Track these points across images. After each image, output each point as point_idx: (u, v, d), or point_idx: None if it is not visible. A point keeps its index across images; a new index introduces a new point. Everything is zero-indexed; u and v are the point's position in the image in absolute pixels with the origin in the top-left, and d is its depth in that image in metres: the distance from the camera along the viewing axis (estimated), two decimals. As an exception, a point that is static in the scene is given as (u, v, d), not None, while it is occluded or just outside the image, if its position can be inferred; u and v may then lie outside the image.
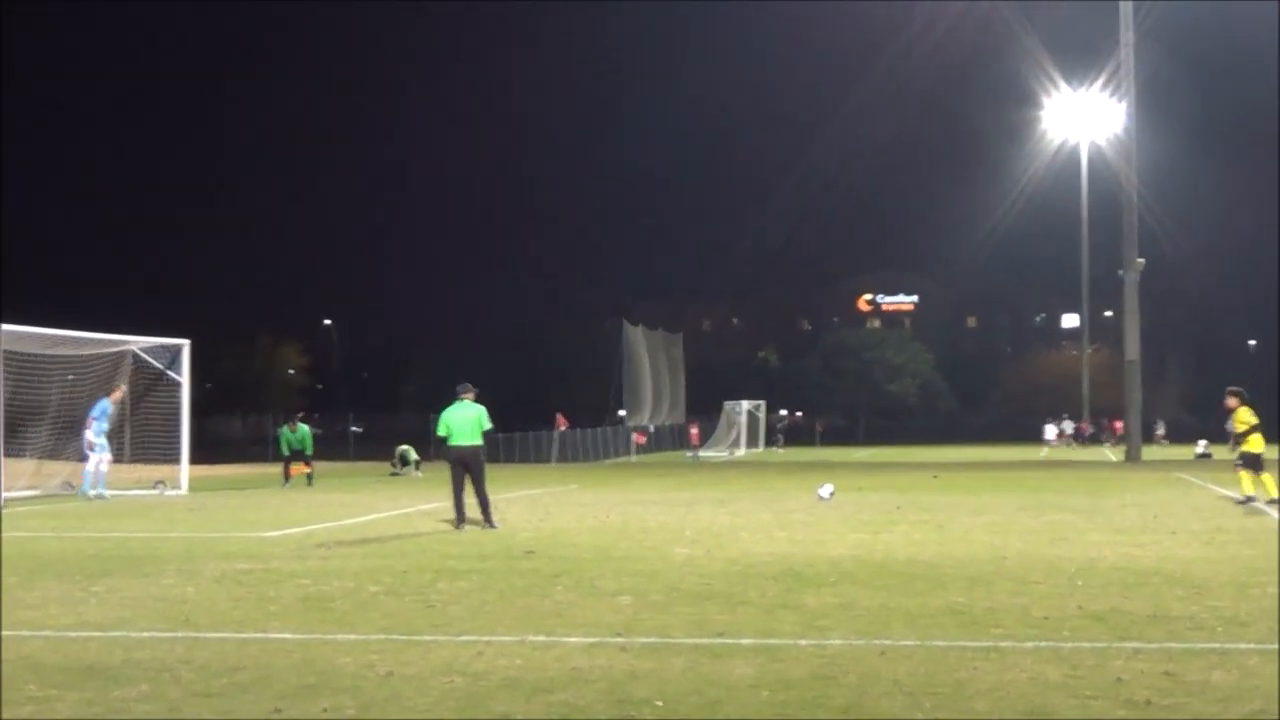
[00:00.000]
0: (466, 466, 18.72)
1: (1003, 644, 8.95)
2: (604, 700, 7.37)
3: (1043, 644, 8.95)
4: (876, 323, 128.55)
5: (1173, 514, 20.55)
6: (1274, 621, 9.81)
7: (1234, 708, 7.08)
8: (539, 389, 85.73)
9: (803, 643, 9.08)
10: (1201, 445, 51.61)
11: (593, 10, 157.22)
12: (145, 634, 9.74)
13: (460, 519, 18.61)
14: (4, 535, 18.41)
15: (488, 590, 11.92)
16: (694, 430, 66.03)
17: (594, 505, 24.28)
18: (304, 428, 34.12)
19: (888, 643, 9.03)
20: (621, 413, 71.12)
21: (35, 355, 28.18)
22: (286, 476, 33.33)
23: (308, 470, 33.60)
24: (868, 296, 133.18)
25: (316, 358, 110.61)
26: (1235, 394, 22.95)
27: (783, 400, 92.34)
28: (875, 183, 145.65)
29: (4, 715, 7.18)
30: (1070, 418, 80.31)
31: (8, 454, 26.13)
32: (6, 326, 26.08)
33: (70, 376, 29.95)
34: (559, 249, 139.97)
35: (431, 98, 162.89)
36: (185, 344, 31.21)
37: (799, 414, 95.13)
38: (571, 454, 58.50)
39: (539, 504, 24.83)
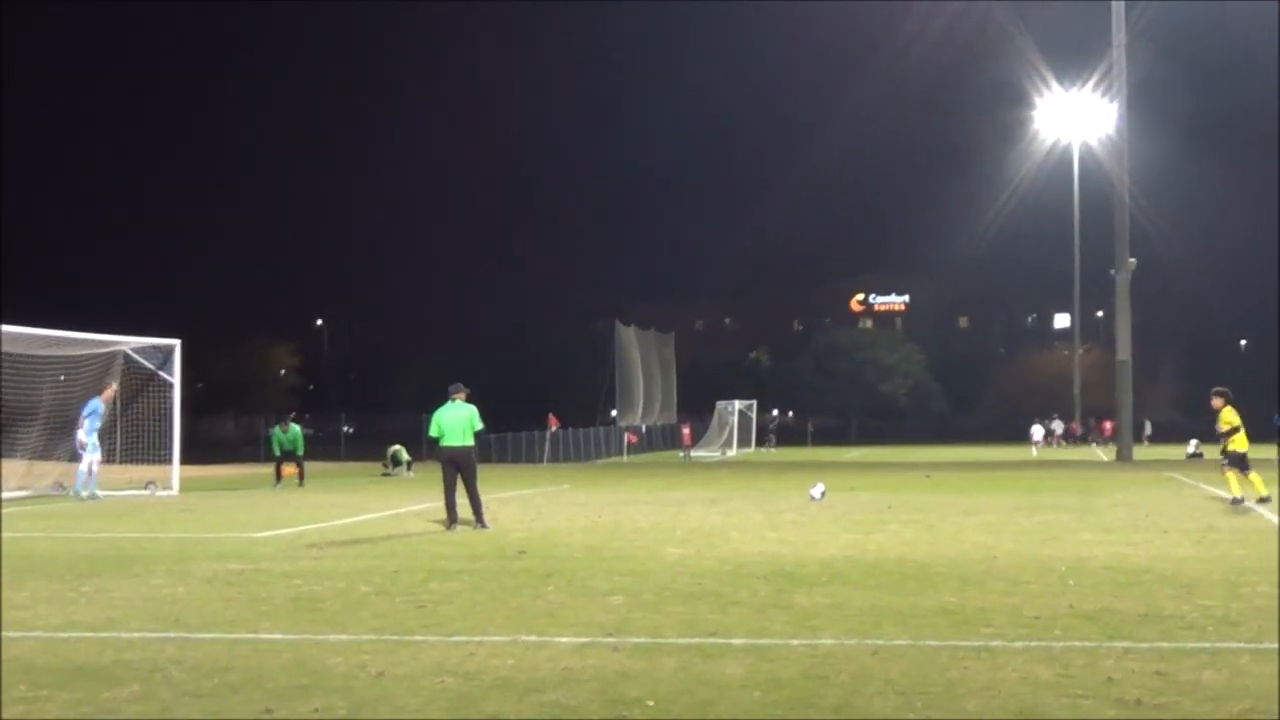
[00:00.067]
0: (458, 467, 18.71)
1: (994, 643, 8.96)
2: (596, 700, 7.37)
3: (1034, 643, 8.96)
4: (869, 323, 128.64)
5: (1164, 513, 20.58)
6: (1265, 620, 9.82)
7: (1225, 707, 7.09)
8: (531, 389, 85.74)
9: (794, 642, 9.09)
10: (1193, 445, 51.66)
11: (580, 18, 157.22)
12: (136, 634, 9.73)
13: (452, 519, 18.60)
14: (-6, 536, 18.40)
15: (479, 590, 11.92)
16: (686, 430, 66.11)
17: (586, 505, 24.28)
18: (295, 428, 34.09)
19: (879, 642, 9.03)
20: (613, 413, 71.17)
21: (27, 355, 28.13)
22: (278, 477, 33.29)
23: (299, 471, 33.57)
24: (860, 296, 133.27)
25: (308, 358, 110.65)
26: (1220, 394, 23.00)
27: (775, 400, 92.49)
28: (868, 183, 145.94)
29: (2, 715, 7.18)
30: (1060, 418, 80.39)
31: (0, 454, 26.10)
32: (-1, 327, 26.05)
33: (62, 377, 29.91)
34: (551, 249, 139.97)
35: (427, 98, 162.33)
36: (176, 344, 31.17)
37: (790, 414, 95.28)
38: (563, 454, 58.49)
39: (531, 504, 24.82)
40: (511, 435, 56.87)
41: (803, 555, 14.58)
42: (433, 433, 18.95)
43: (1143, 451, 55.79)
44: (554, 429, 59.64)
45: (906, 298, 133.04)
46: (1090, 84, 67.21)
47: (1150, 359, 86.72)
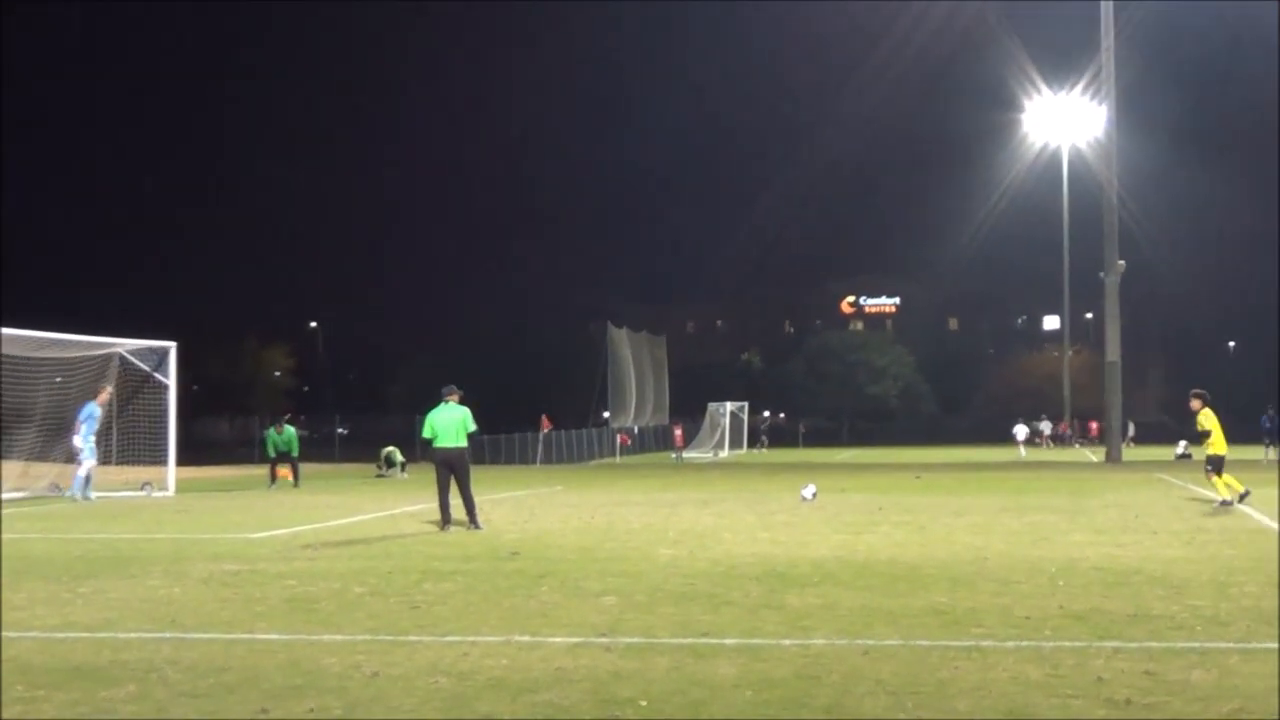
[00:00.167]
0: (451, 468, 18.69)
1: (984, 644, 8.96)
2: (589, 700, 7.37)
3: (1024, 643, 8.96)
4: (859, 325, 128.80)
5: (1153, 514, 20.60)
6: (1254, 621, 9.83)
7: (1214, 707, 7.09)
8: (524, 391, 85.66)
9: (786, 643, 9.09)
10: (1181, 446, 51.70)
11: (579, 18, 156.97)
12: (132, 635, 9.72)
13: (445, 520, 18.59)
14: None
15: (473, 591, 11.91)
16: (678, 432, 66.13)
17: (579, 506, 24.27)
18: (290, 430, 34.09)
19: (870, 642, 9.03)
20: (606, 414, 71.19)
21: (23, 358, 28.12)
22: (273, 478, 33.29)
23: (294, 472, 33.56)
24: (851, 298, 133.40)
25: (303, 360, 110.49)
26: (1198, 396, 23.08)
27: (767, 402, 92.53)
28: (859, 186, 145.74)
29: (2, 715, 7.17)
30: (1049, 418, 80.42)
31: (-5, 456, 26.11)
32: (-5, 329, 26.03)
33: (58, 378, 29.90)
34: (543, 253, 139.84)
35: (425, 98, 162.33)
36: (172, 346, 31.17)
37: (782, 415, 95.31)
38: (556, 456, 58.52)
39: (524, 505, 24.81)
40: (505, 437, 56.91)
41: (794, 556, 14.58)
42: (426, 434, 18.93)
43: (1130, 453, 55.86)
44: (547, 431, 59.66)
45: (897, 300, 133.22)
46: (1079, 87, 67.41)
47: (1139, 361, 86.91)
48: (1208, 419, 22.50)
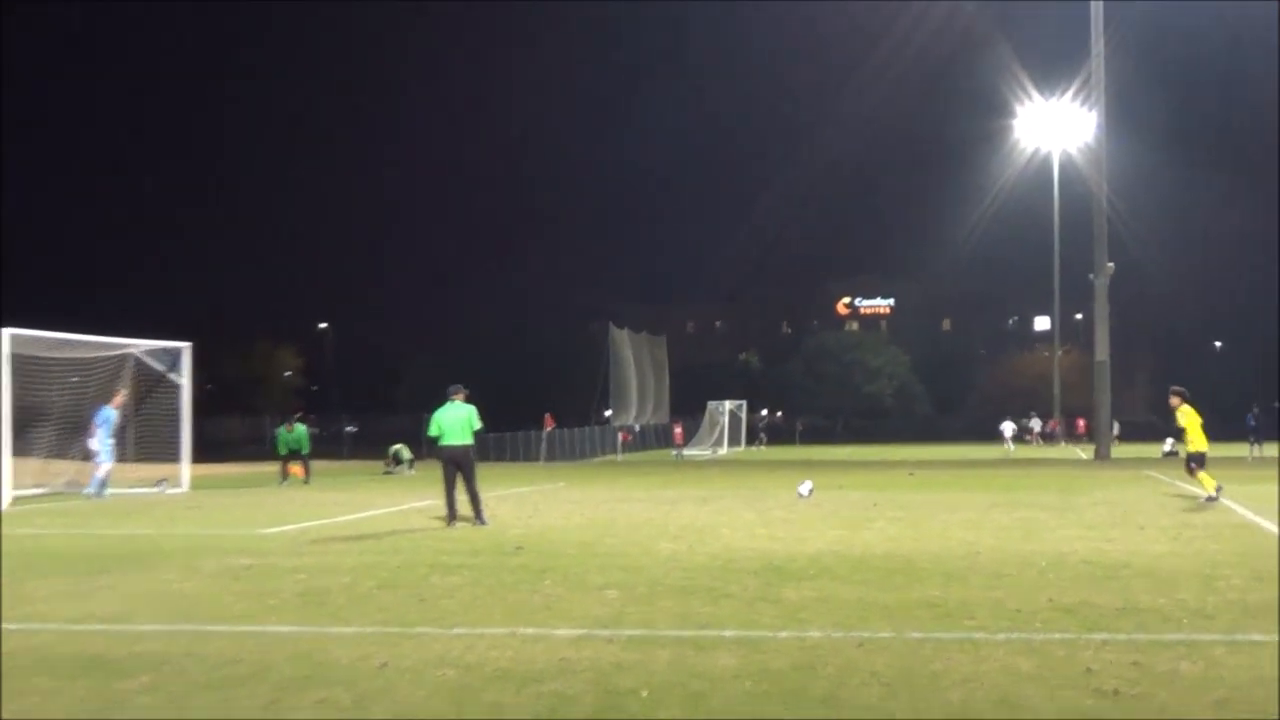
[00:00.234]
0: (458, 465, 18.70)
1: (976, 636, 8.97)
2: (591, 691, 7.38)
3: (1015, 636, 8.97)
4: (855, 325, 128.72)
5: (1141, 510, 20.60)
6: (1239, 614, 9.83)
7: (1200, 697, 7.10)
8: (527, 390, 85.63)
9: (783, 635, 9.10)
10: (1168, 443, 51.50)
11: (580, 18, 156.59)
12: (148, 627, 9.73)
13: (452, 516, 18.60)
14: (12, 533, 18.40)
15: (479, 585, 11.92)
16: (678, 430, 66.06)
17: (581, 503, 24.28)
18: (300, 428, 34.10)
19: (865, 635, 9.04)
20: (608, 413, 71.18)
21: (41, 358, 28.12)
22: (284, 475, 33.29)
23: (304, 470, 33.58)
24: (846, 300, 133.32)
25: (312, 360, 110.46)
26: (1177, 393, 23.12)
27: (765, 401, 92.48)
28: (854, 190, 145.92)
29: (9, 709, 7.17)
30: (1038, 416, 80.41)
31: (15, 453, 26.08)
32: (13, 331, 26.03)
33: (75, 378, 29.90)
34: (546, 254, 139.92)
35: (426, 103, 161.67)
36: (186, 347, 31.17)
37: (779, 414, 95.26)
38: (559, 453, 58.51)
39: (528, 501, 24.82)
40: (509, 435, 56.88)
41: (791, 551, 14.59)
42: (433, 432, 18.92)
43: (1118, 450, 55.81)
44: (550, 429, 59.64)
45: (891, 301, 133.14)
46: (1069, 94, 67.41)
47: (1127, 361, 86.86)
48: (1185, 416, 22.51)
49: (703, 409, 74.24)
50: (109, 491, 27.66)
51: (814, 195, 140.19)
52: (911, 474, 35.52)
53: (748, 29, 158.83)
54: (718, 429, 71.56)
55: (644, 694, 7.28)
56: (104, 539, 17.34)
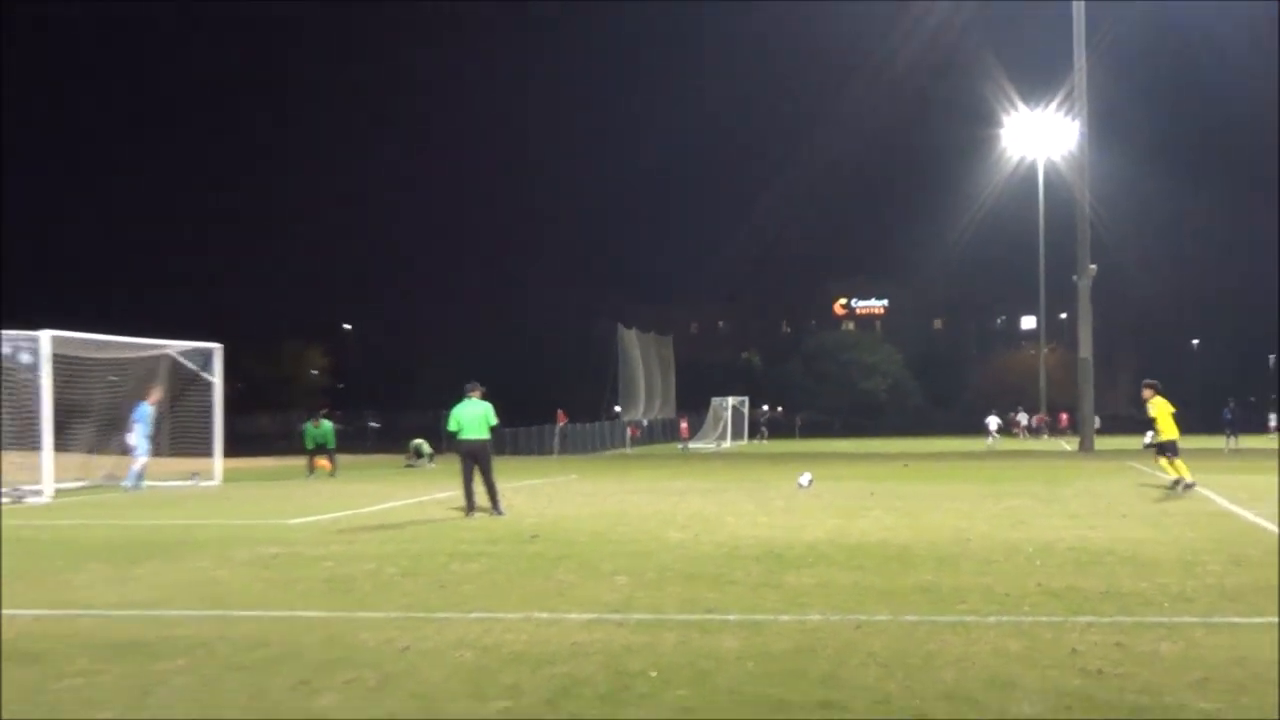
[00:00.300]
0: (475, 458, 18.71)
1: (968, 619, 8.97)
2: (603, 672, 7.39)
3: (1005, 619, 8.96)
4: (851, 325, 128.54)
5: (1123, 499, 20.58)
6: (1216, 597, 9.83)
7: (1180, 676, 7.10)
8: (541, 387, 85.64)
9: (784, 618, 9.10)
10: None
11: (591, 18, 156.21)
12: (183, 613, 9.75)
13: (470, 507, 18.61)
14: (54, 524, 18.45)
15: (496, 572, 11.93)
16: (684, 424, 66.05)
17: (592, 494, 24.29)
18: (326, 423, 34.13)
19: (862, 618, 9.04)
20: (617, 409, 71.20)
21: (81, 359, 28.18)
22: (310, 468, 33.31)
23: (331, 463, 33.60)
24: (842, 301, 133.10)
25: (337, 359, 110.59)
26: (1149, 386, 23.18)
27: (766, 397, 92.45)
28: (849, 195, 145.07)
29: (54, 689, 7.19)
30: (1025, 410, 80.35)
31: (57, 449, 26.13)
32: (54, 332, 26.09)
33: (113, 378, 29.95)
34: (559, 258, 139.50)
35: (441, 106, 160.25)
36: (218, 348, 31.22)
37: (780, 409, 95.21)
38: (571, 447, 58.49)
39: (542, 493, 24.83)
40: (523, 429, 56.87)
41: (792, 539, 14.58)
42: (451, 427, 18.92)
43: (1101, 442, 55.76)
44: (562, 424, 59.64)
45: (885, 302, 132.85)
46: (1053, 105, 67.34)
47: (1109, 358, 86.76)
48: (1156, 407, 22.50)
49: (707, 404, 74.19)
50: (145, 484, 27.75)
51: (811, 200, 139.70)
52: (906, 465, 35.49)
53: (734, 47, 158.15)
54: (721, 424, 71.50)
55: (653, 674, 7.29)
56: (141, 529, 17.37)
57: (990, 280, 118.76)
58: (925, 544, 13.85)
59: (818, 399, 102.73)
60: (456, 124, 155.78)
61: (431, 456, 40.09)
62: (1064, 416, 79.09)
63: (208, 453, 30.92)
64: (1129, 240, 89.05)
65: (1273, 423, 65.92)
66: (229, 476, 31.15)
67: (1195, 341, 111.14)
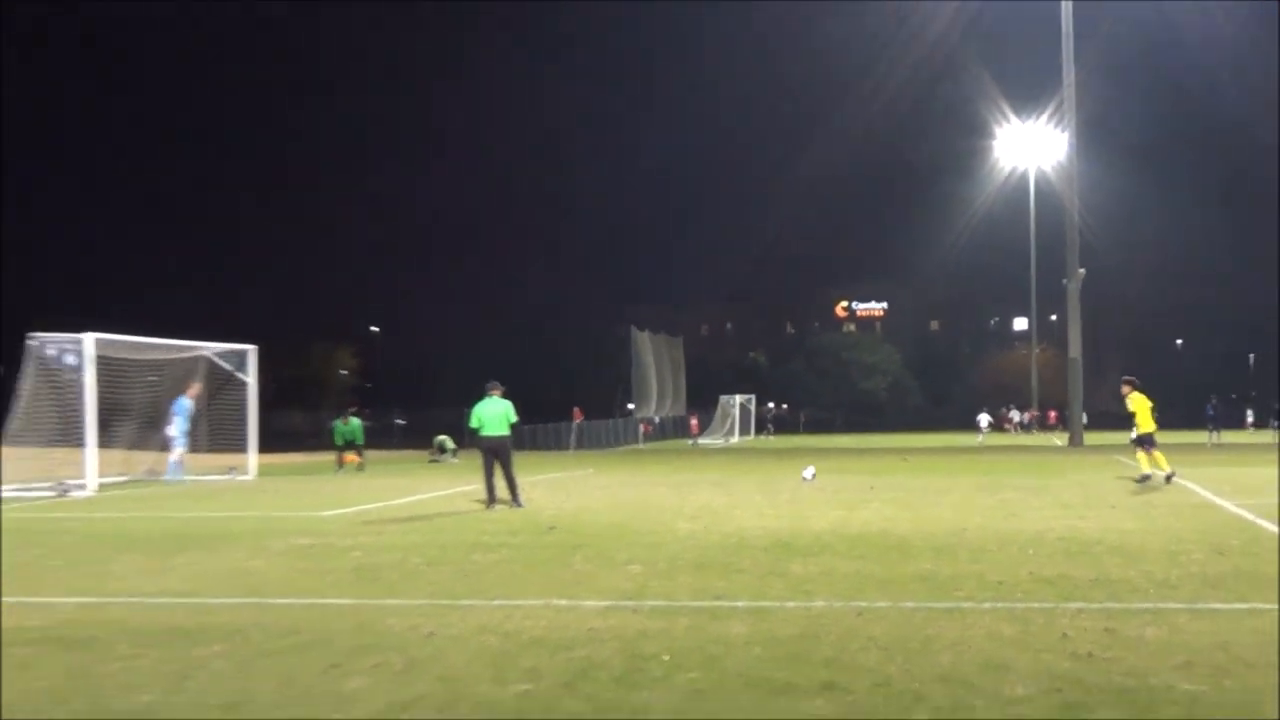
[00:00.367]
0: (496, 454, 18.72)
1: (964, 605, 8.95)
2: (618, 656, 7.39)
3: (999, 605, 8.95)
4: (852, 327, 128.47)
5: (1111, 492, 20.53)
6: (1199, 585, 9.81)
7: (1165, 660, 7.09)
8: (558, 386, 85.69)
9: (790, 605, 9.09)
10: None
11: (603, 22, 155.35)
12: (219, 600, 9.77)
13: (491, 500, 18.63)
14: (96, 517, 18.50)
15: (516, 561, 11.93)
16: (694, 421, 66.01)
17: (607, 487, 24.29)
18: (355, 420, 34.14)
19: (864, 605, 9.03)
20: (630, 406, 71.23)
21: (123, 360, 28.25)
22: (340, 463, 33.34)
23: (359, 458, 33.63)
24: (844, 303, 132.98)
25: (366, 360, 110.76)
26: (1128, 382, 23.12)
27: (772, 395, 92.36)
28: (849, 202, 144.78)
29: (97, 673, 7.20)
30: (1017, 407, 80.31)
31: (100, 445, 26.20)
32: (97, 335, 26.16)
33: (152, 377, 30.02)
34: (577, 265, 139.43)
35: (456, 110, 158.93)
36: (252, 349, 31.27)
37: (785, 406, 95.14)
38: (587, 442, 58.53)
39: (560, 486, 24.83)
40: (542, 426, 56.91)
41: (797, 529, 14.57)
42: (474, 424, 18.95)
43: (1090, 437, 55.65)
44: (579, 421, 59.67)
45: (885, 304, 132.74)
46: (1044, 116, 67.31)
47: (1097, 357, 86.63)
48: (1134, 402, 22.44)
49: (716, 402, 74.22)
50: (188, 477, 27.82)
51: (815, 208, 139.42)
52: (905, 459, 35.44)
53: (736, 54, 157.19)
54: (729, 420, 71.52)
55: (665, 658, 7.29)
56: (179, 521, 17.40)
57: (984, 284, 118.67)
58: (923, 534, 13.83)
59: (820, 397, 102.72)
60: (480, 138, 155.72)
61: (455, 452, 40.08)
62: (1053, 413, 79.03)
63: (243, 448, 30.97)
64: (1116, 246, 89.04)
65: (1250, 419, 65.82)
66: (263, 471, 31.20)
67: (1179, 341, 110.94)
